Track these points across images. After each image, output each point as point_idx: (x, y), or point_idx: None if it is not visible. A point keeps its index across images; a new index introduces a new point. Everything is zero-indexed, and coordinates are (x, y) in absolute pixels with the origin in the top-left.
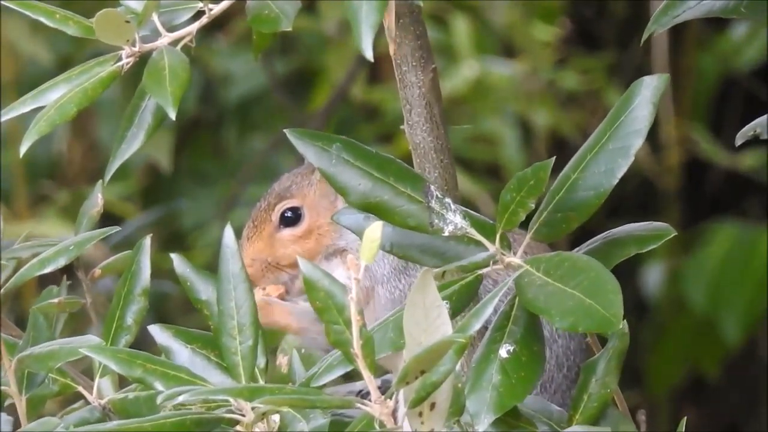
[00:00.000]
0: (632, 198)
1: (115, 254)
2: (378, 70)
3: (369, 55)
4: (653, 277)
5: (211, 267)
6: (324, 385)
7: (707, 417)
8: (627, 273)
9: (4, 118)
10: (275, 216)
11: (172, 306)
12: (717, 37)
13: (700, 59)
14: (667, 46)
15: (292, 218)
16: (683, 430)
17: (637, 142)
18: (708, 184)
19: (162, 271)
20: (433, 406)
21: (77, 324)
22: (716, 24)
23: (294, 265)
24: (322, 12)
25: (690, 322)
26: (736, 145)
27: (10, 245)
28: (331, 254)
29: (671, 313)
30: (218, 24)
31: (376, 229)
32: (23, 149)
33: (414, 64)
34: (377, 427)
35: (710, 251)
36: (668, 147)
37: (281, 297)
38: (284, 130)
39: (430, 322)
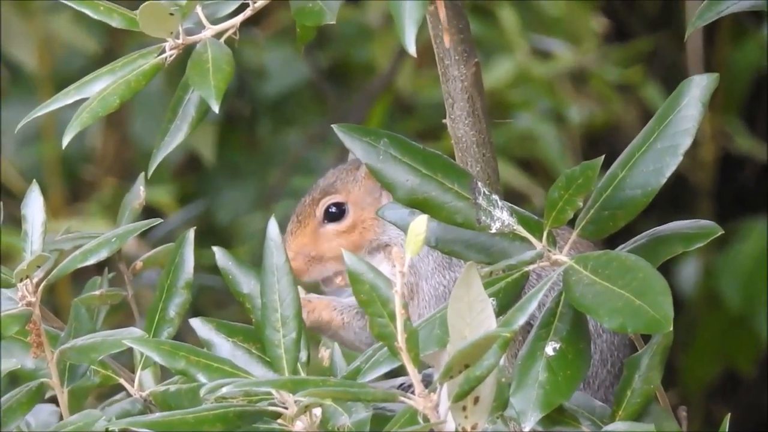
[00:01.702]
0: (666, 194)
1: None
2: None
3: (412, 50)
4: (687, 274)
5: (250, 261)
6: None
7: (741, 414)
8: (661, 269)
9: (47, 110)
10: (319, 211)
11: (205, 300)
12: (751, 30)
13: (734, 53)
14: (701, 40)
15: (336, 213)
16: (726, 428)
17: (686, 142)
18: (742, 180)
19: (198, 266)
20: (476, 400)
21: (118, 317)
22: (751, 17)
23: (337, 260)
24: (365, 2)
25: (724, 319)
26: None
27: (50, 238)
28: (375, 249)
29: (705, 310)
30: (254, 18)
31: (421, 223)
32: (66, 140)
33: (457, 58)
34: (420, 421)
35: (744, 248)
36: (702, 142)
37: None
38: (332, 126)
39: (474, 316)
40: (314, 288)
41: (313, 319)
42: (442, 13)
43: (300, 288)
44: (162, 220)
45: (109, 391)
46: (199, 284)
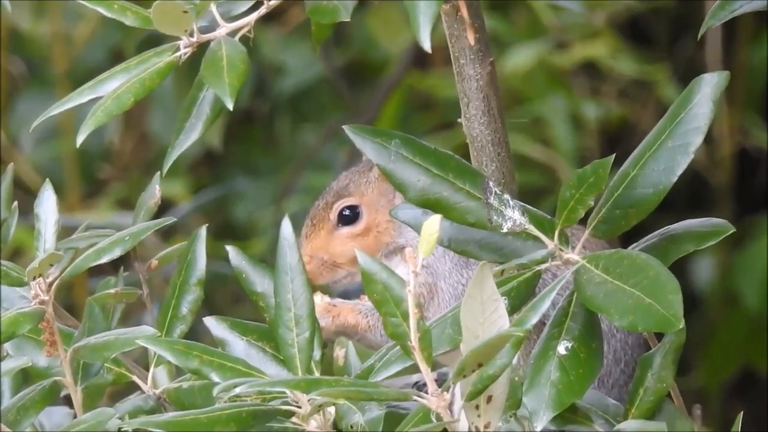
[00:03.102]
0: (682, 191)
1: (167, 239)
2: (427, 57)
3: (427, 46)
4: (703, 272)
5: (265, 259)
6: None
7: (758, 412)
8: (677, 267)
9: (62, 109)
10: (333, 214)
11: (221, 296)
12: None
13: (753, 50)
14: (720, 37)
15: (350, 216)
16: (739, 426)
17: (697, 140)
18: (759, 177)
19: (215, 258)
20: (489, 399)
21: (133, 306)
22: None
23: (351, 263)
24: None
25: (741, 317)
26: None
27: (66, 235)
28: (391, 252)
29: (722, 308)
30: (271, 15)
31: (434, 223)
32: (80, 139)
33: (472, 57)
34: (434, 419)
35: (762, 245)
36: (720, 139)
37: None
38: (342, 126)
39: (487, 315)
40: (326, 290)
41: (339, 324)
42: (465, 11)
43: (322, 294)
44: (175, 219)
45: (124, 388)
46: (216, 273)
